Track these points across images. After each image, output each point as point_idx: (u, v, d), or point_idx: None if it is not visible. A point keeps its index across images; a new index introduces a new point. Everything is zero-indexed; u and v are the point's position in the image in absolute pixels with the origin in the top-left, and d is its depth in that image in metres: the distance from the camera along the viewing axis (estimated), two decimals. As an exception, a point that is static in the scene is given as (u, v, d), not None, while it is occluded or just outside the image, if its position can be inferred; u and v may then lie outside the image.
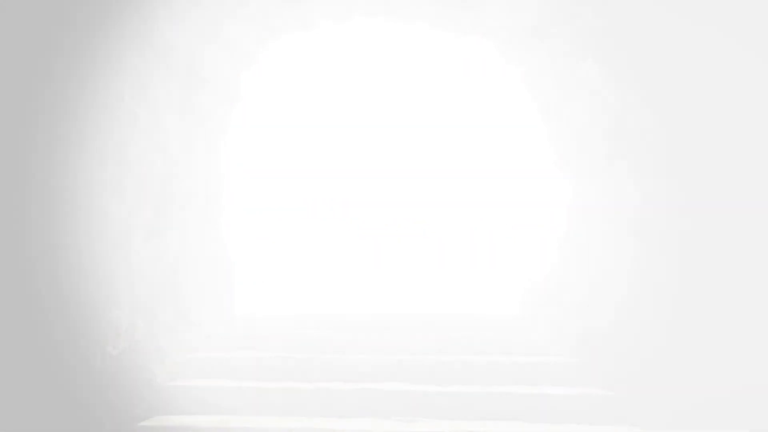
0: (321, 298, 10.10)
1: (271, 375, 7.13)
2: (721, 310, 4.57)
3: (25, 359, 4.59)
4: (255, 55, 8.87)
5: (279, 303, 9.71)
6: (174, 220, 7.06)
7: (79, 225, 5.24)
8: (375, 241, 10.42)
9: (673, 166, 5.21)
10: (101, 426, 5.58)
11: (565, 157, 7.79)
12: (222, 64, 8.15)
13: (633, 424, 6.05)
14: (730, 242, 4.49)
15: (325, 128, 10.33)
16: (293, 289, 10.37)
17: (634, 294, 6.01)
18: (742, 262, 4.35)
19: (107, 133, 5.61)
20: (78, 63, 5.10)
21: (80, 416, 5.28)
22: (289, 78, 10.08)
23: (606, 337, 6.60)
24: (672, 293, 5.29)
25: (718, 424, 4.63)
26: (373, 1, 7.76)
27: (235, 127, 9.04)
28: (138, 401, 6.21)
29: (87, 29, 5.21)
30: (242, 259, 9.54)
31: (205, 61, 7.65)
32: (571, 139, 7.57)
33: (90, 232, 5.39)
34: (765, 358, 4.02)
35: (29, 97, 4.59)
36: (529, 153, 9.08)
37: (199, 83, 7.61)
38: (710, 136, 4.67)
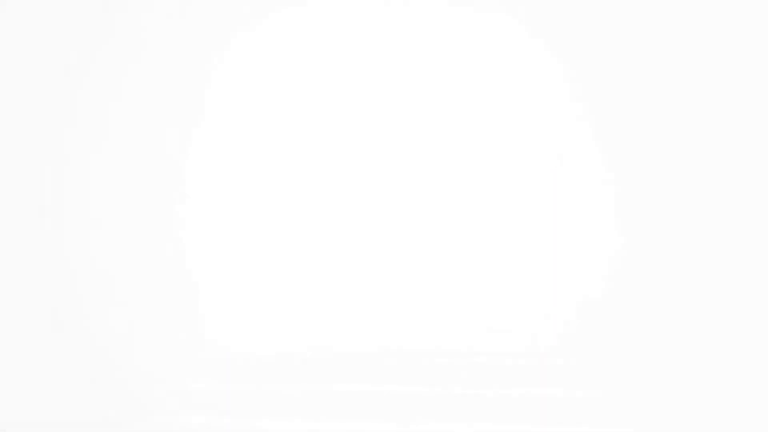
0: (321, 306, 10.08)
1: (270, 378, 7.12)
2: (721, 320, 4.56)
3: (23, 362, 4.58)
4: (253, 54, 8.86)
5: (266, 317, 9.69)
6: (172, 220, 7.05)
7: (79, 225, 5.23)
8: (374, 245, 10.41)
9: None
10: (100, 427, 5.57)
11: (571, 155, 7.78)
12: (203, 54, 8.14)
13: (631, 426, 6.04)
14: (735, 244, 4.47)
15: (325, 125, 10.32)
16: (287, 298, 10.36)
17: (630, 296, 6.00)
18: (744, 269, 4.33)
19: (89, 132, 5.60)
20: (76, 62, 5.10)
21: (79, 417, 5.27)
22: (288, 72, 10.07)
23: (606, 342, 6.59)
24: (668, 295, 5.28)
25: (714, 424, 4.61)
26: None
27: (227, 123, 9.03)
28: (137, 402, 6.20)
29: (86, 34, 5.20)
30: (235, 266, 9.53)
31: (196, 57, 7.64)
32: (577, 138, 7.56)
33: (88, 232, 5.39)
34: (756, 364, 4.01)
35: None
36: (533, 151, 9.05)
37: (194, 81, 7.60)
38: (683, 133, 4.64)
